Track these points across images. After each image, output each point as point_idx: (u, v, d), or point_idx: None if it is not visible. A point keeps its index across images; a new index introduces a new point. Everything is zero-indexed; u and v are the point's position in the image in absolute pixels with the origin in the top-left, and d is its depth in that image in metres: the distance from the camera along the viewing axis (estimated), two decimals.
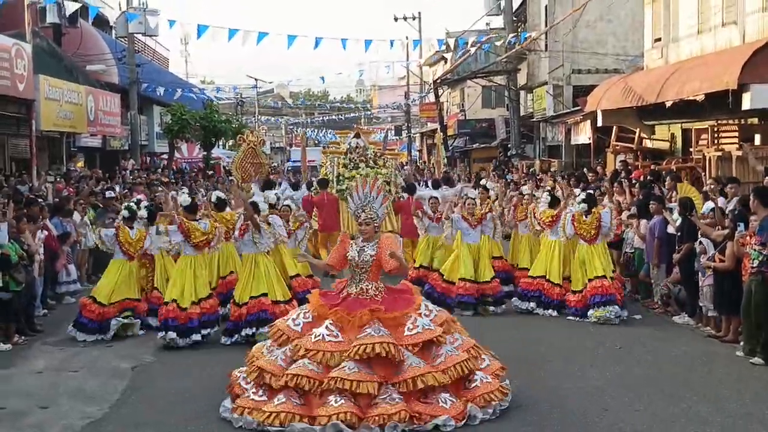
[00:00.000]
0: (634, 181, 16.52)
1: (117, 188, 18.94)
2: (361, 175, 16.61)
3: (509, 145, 32.95)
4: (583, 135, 25.71)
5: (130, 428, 7.62)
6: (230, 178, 19.07)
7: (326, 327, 7.53)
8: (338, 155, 17.35)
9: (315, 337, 7.46)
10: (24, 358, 10.36)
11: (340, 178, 16.44)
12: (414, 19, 46.51)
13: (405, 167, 31.97)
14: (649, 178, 16.33)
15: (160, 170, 28.34)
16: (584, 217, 12.30)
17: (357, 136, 17.67)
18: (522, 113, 32.99)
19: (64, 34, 27.47)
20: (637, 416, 7.75)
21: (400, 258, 7.80)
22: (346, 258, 7.97)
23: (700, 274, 11.25)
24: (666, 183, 14.68)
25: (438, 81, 39.62)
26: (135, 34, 29.92)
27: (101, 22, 32.81)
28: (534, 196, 14.46)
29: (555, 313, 12.48)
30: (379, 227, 8.05)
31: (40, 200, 14.64)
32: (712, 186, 13.34)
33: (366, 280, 7.78)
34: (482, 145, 39.32)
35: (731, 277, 10.36)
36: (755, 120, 17.75)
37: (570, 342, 10.84)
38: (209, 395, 8.46)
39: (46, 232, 12.97)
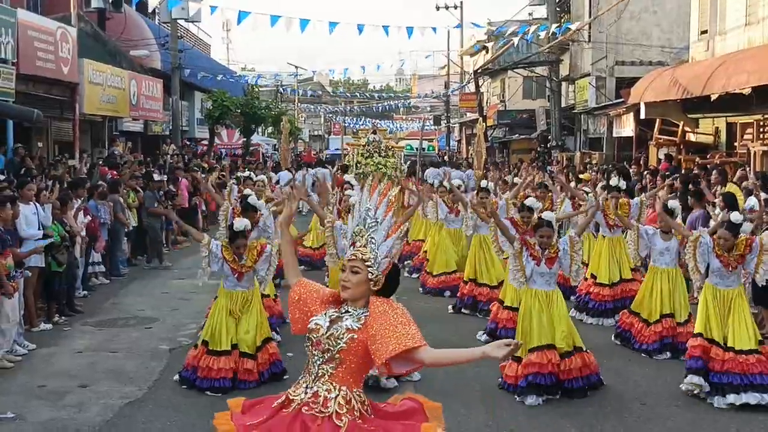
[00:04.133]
0: (676, 175, 16.30)
1: (158, 172, 19.14)
2: (374, 162, 18.37)
3: (549, 137, 32.66)
4: (626, 127, 25.40)
5: (168, 409, 7.70)
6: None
7: None
8: (358, 147, 19.77)
9: None
10: (64, 338, 10.52)
11: (358, 164, 18.63)
12: (456, 8, 46.24)
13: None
14: (694, 171, 16.09)
15: (199, 157, 28.46)
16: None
17: (374, 132, 20.06)
18: (563, 105, 32.68)
19: (108, 19, 27.71)
20: (674, 412, 7.68)
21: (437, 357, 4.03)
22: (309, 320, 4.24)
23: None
24: (712, 178, 14.47)
25: (479, 71, 39.37)
26: (177, 20, 30.12)
27: (144, 7, 33.05)
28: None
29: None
30: (377, 283, 4.14)
31: (86, 182, 14.85)
32: (756, 183, 13.10)
33: (325, 379, 4.06)
34: (522, 137, 38.98)
35: None
36: None
37: (607, 340, 10.72)
38: None
39: (89, 217, 13.10)
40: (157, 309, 12.27)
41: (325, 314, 4.15)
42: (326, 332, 4.05)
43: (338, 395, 4.01)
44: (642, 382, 8.64)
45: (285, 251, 4.63)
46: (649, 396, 8.14)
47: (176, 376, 8.54)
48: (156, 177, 17.69)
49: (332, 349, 4.02)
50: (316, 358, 4.07)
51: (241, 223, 8.74)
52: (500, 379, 8.23)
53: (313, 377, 4.07)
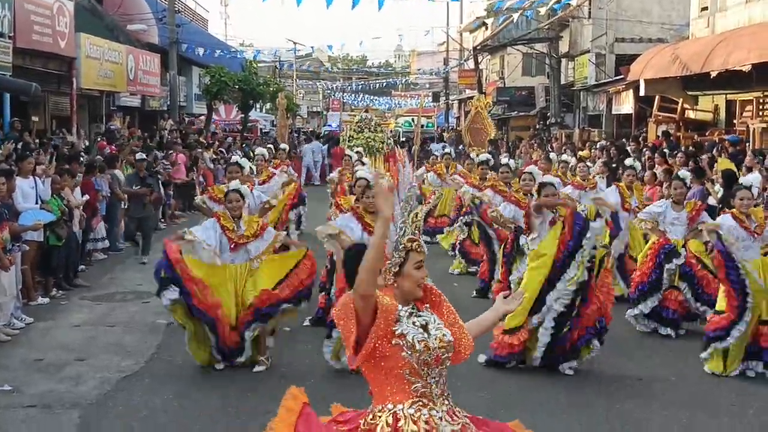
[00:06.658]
0: (675, 152, 16.29)
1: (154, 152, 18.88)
2: (364, 136, 20.84)
3: (548, 114, 32.58)
4: (626, 104, 25.35)
5: (165, 382, 7.72)
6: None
7: None
8: (351, 123, 22.49)
9: None
10: (62, 312, 10.53)
11: (351, 138, 21.28)
12: None
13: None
14: (690, 149, 16.07)
15: (197, 134, 28.30)
16: None
17: (366, 111, 23.34)
18: (562, 82, 32.58)
19: None
20: (670, 387, 7.71)
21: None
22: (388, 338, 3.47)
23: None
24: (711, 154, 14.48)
25: (478, 47, 39.19)
26: None
27: None
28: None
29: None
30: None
31: (81, 157, 14.77)
32: (754, 160, 13.10)
33: (445, 395, 3.60)
34: (521, 114, 38.88)
35: None
36: None
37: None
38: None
39: (87, 196, 13.03)
40: (154, 284, 12.19)
41: (408, 323, 3.51)
42: (435, 344, 3.50)
43: (452, 404, 3.60)
44: (638, 358, 8.66)
45: None
46: (645, 371, 8.15)
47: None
48: (138, 156, 15.82)
49: (446, 359, 3.58)
50: (433, 376, 3.52)
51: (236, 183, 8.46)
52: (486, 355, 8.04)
53: (438, 400, 3.53)
